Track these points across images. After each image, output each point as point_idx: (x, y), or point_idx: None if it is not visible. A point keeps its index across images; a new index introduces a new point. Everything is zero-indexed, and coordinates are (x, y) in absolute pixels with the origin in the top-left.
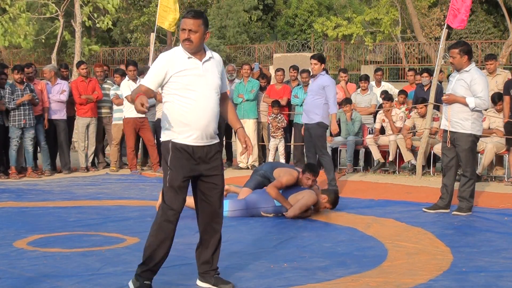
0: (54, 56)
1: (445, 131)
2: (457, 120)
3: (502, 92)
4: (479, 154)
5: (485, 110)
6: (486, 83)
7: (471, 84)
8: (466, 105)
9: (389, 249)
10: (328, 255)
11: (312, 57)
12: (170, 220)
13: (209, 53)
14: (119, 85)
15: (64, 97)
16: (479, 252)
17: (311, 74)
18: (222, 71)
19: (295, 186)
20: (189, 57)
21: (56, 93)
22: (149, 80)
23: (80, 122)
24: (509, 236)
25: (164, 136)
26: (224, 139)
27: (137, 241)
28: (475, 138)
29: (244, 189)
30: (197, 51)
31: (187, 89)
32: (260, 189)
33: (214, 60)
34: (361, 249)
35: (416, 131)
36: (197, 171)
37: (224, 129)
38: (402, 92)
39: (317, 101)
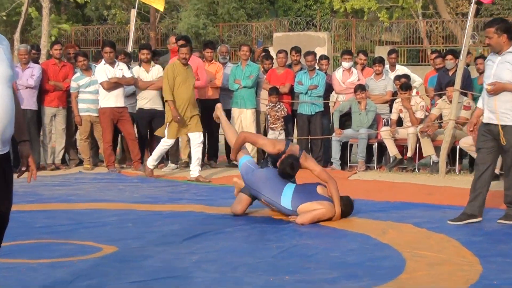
0: (17, 36)
1: (486, 124)
2: (504, 111)
3: None
4: None
5: None
6: None
7: None
8: None
9: (407, 259)
10: (336, 266)
11: None
12: None
13: None
14: (86, 69)
15: (32, 81)
16: None
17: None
18: (9, 54)
19: (315, 192)
20: None
21: (27, 78)
22: None
23: (45, 112)
24: None
25: None
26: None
27: (115, 250)
28: None
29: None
30: None
31: None
32: (274, 170)
33: None
34: (375, 259)
35: (442, 123)
36: None
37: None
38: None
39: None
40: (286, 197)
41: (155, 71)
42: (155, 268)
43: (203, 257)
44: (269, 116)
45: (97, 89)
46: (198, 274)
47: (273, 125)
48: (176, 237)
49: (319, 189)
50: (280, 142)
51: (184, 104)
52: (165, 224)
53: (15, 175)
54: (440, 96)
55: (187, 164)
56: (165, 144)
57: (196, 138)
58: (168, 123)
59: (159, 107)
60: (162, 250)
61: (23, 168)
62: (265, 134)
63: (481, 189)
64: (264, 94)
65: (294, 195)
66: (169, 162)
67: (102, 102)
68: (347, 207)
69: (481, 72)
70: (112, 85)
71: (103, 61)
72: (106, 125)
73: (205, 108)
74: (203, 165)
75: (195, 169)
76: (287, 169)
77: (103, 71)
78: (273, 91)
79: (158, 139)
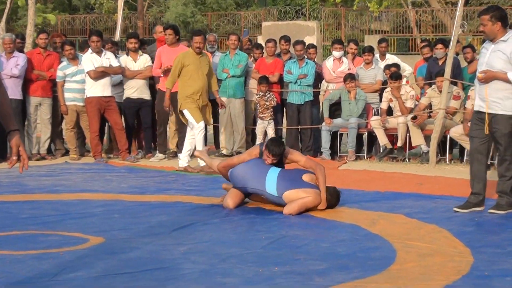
0: (2, 25)
1: (477, 112)
2: (495, 99)
3: None
4: None
5: None
6: None
7: None
8: (508, 81)
9: (398, 250)
10: (326, 257)
11: None
12: None
13: None
14: (72, 59)
15: (16, 71)
16: (504, 253)
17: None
18: None
19: (300, 179)
20: None
21: (11, 68)
22: None
23: (30, 102)
24: None
25: None
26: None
27: (102, 241)
28: None
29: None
30: None
31: None
32: (255, 159)
33: None
34: (365, 250)
35: (432, 112)
36: None
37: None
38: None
39: None
40: (271, 182)
41: (142, 60)
42: (143, 259)
43: (191, 248)
44: (258, 105)
45: (83, 78)
46: (186, 265)
47: (262, 115)
48: (164, 228)
49: (305, 177)
50: (253, 148)
51: (197, 93)
52: (153, 215)
53: (6, 165)
54: (430, 85)
55: (175, 154)
56: (199, 129)
57: (202, 126)
58: (186, 110)
59: (146, 96)
60: (149, 241)
61: (14, 158)
62: (254, 123)
63: (479, 178)
64: (253, 83)
65: (279, 181)
66: (157, 152)
67: (89, 91)
68: (333, 197)
69: (469, 61)
70: (99, 74)
71: (90, 50)
72: (93, 115)
73: None
74: (191, 155)
75: (184, 159)
76: (274, 144)
77: (89, 60)
78: (263, 80)
79: (146, 129)
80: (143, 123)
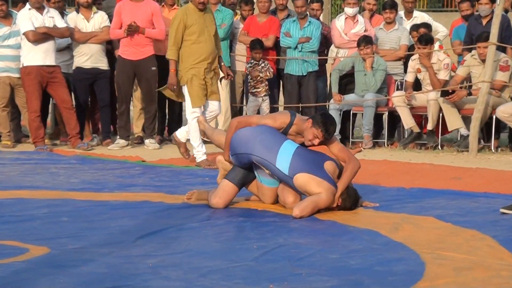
0: None
1: None
2: None
3: None
4: None
5: None
6: None
7: None
8: None
9: (427, 262)
10: (335, 272)
11: None
12: None
13: None
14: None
15: None
16: None
17: None
18: None
19: (321, 166)
20: None
21: None
22: None
23: None
24: None
25: None
26: None
27: (46, 252)
28: None
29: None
30: None
31: None
32: (269, 127)
33: None
34: (385, 263)
35: (472, 86)
36: None
37: None
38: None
39: None
40: (284, 157)
41: (97, 19)
42: (99, 275)
43: (162, 260)
44: (249, 77)
45: (19, 42)
46: (155, 282)
47: (255, 89)
48: (126, 235)
49: (328, 165)
50: (281, 114)
51: (204, 61)
52: (112, 218)
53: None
54: (470, 51)
55: (141, 140)
56: (193, 115)
57: (214, 108)
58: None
59: (103, 65)
60: (108, 252)
61: None
62: (242, 101)
63: None
64: (240, 49)
65: (295, 158)
66: (118, 137)
67: (26, 59)
68: (350, 199)
69: None
70: (40, 36)
71: (27, 6)
72: (32, 90)
73: (164, 67)
74: (162, 140)
75: (200, 151)
76: (330, 122)
77: (27, 18)
78: (256, 44)
79: (103, 108)
80: (99, 101)
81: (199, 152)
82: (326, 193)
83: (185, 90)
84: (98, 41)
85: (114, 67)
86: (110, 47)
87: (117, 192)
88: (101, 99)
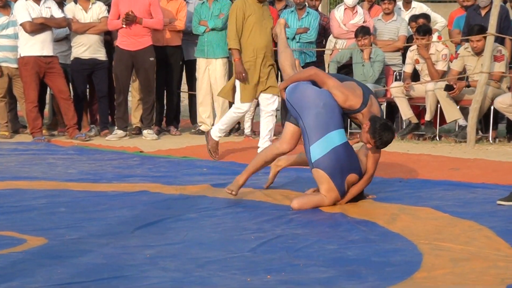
0: None
1: None
2: None
3: None
4: None
5: None
6: None
7: None
8: None
9: (424, 253)
10: (333, 262)
11: None
12: None
13: None
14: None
15: None
16: None
17: None
18: None
19: (345, 172)
20: None
21: None
22: None
23: None
24: None
25: None
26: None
27: (44, 242)
28: None
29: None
30: None
31: None
32: (329, 102)
33: None
34: (383, 254)
35: (469, 77)
36: None
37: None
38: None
39: None
40: (322, 146)
41: (96, 10)
42: (97, 266)
43: (160, 251)
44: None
45: (17, 32)
46: (153, 273)
47: None
48: (124, 226)
49: (351, 176)
50: (355, 95)
51: (260, 54)
52: (110, 209)
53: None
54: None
55: (139, 130)
56: (238, 110)
57: (270, 102)
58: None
59: (101, 56)
60: (105, 243)
61: None
62: None
63: None
64: None
65: (330, 154)
66: (116, 127)
67: (24, 49)
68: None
69: None
70: (37, 27)
71: None
72: (29, 80)
73: (162, 57)
74: (160, 131)
75: (220, 130)
76: (387, 131)
77: (24, 8)
78: None
79: (101, 99)
80: (97, 91)
81: (220, 131)
82: (329, 200)
83: (237, 83)
84: (96, 32)
85: (112, 57)
86: (109, 37)
87: (115, 183)
88: (99, 89)
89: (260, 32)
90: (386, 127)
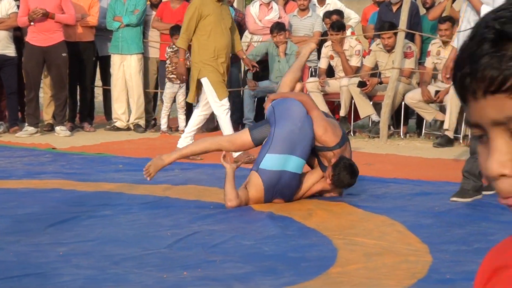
0: None
1: None
2: None
3: None
4: None
5: None
6: None
7: None
8: None
9: (339, 248)
10: (249, 259)
11: None
12: None
13: None
14: None
15: None
16: (470, 251)
17: None
18: None
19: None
20: None
21: None
22: None
23: None
24: None
25: None
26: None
27: None
28: None
29: None
30: None
31: None
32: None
33: None
34: (299, 249)
35: (381, 73)
36: None
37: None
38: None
39: None
40: (276, 162)
41: (4, 5)
42: (7, 264)
43: (73, 248)
44: (168, 63)
45: None
46: (66, 270)
47: (173, 75)
48: (36, 223)
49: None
50: (334, 134)
51: (221, 54)
52: (21, 206)
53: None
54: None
55: (51, 127)
56: (222, 108)
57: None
58: (206, 80)
59: (10, 52)
60: (16, 240)
61: None
62: (157, 87)
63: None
64: (153, 35)
65: (278, 174)
66: (26, 124)
67: None
68: (344, 173)
69: (428, 7)
70: None
71: None
72: None
73: (74, 53)
74: (73, 127)
75: (184, 140)
76: (350, 173)
77: None
78: (176, 30)
79: (10, 95)
80: (6, 88)
81: (185, 140)
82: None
83: (205, 83)
84: (5, 28)
85: (22, 53)
86: (19, 33)
87: (26, 180)
88: (8, 86)
89: (222, 32)
90: (351, 168)
